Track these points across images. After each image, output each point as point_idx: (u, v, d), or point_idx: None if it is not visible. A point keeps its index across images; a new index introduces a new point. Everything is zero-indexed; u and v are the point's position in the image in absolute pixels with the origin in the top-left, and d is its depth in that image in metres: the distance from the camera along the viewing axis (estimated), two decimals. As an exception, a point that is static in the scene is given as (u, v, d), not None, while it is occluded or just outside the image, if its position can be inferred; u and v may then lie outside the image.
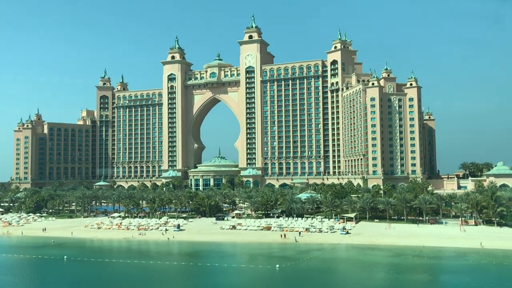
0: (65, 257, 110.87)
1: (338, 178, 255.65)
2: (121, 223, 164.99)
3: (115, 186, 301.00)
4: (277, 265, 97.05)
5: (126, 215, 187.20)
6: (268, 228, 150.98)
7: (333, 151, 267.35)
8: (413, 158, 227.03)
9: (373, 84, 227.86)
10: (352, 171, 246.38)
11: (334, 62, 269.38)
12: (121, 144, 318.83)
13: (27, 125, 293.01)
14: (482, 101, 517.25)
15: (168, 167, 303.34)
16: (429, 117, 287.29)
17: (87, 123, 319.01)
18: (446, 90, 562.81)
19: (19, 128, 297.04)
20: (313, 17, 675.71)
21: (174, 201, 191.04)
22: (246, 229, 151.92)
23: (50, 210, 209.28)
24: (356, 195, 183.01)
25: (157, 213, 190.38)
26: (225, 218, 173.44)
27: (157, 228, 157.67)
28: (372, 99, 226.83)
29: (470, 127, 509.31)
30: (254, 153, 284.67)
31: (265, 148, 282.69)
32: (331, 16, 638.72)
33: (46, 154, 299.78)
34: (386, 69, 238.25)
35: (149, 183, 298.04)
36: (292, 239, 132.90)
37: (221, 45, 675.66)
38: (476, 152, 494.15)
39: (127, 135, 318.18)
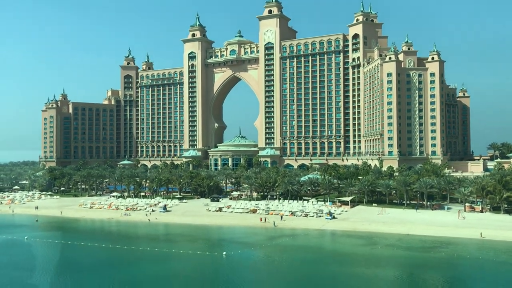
0: (25, 237, 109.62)
1: (357, 159, 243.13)
2: (112, 203, 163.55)
3: (138, 165, 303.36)
4: (224, 253, 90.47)
5: (130, 194, 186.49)
6: (254, 211, 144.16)
7: (354, 130, 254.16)
8: (434, 138, 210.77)
9: (390, 58, 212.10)
10: (370, 151, 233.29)
11: (355, 36, 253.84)
12: (145, 123, 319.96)
13: (52, 105, 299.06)
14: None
15: (189, 147, 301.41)
16: (463, 94, 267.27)
17: (112, 103, 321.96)
18: (485, 66, 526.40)
19: (45, 108, 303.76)
20: None
21: (174, 181, 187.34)
22: (231, 212, 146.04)
23: (62, 189, 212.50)
24: (361, 177, 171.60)
25: (161, 192, 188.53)
26: (220, 199, 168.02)
27: (145, 208, 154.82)
28: (389, 74, 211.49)
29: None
30: (273, 133, 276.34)
31: (284, 128, 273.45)
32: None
33: (71, 134, 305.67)
34: (407, 42, 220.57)
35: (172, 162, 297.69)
36: (272, 223, 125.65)
37: (243, 21, 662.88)
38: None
39: (150, 114, 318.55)
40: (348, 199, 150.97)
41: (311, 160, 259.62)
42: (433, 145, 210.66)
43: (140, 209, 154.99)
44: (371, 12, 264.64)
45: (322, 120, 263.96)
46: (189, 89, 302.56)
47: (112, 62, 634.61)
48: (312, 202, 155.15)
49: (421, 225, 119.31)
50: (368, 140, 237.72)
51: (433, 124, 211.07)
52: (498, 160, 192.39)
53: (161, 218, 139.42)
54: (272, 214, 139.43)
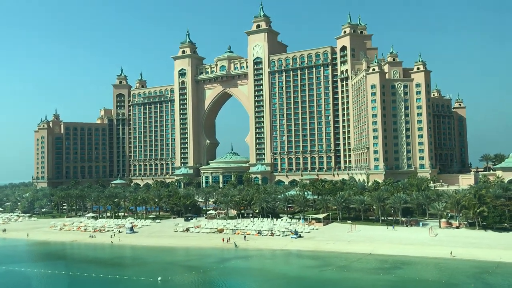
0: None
1: (348, 174, 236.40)
2: (81, 225, 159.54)
3: (131, 184, 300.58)
4: (160, 278, 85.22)
5: (107, 215, 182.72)
6: (221, 231, 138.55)
7: (344, 144, 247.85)
8: (421, 150, 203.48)
9: (373, 70, 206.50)
10: (359, 166, 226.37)
11: (343, 48, 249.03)
12: (137, 142, 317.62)
13: (43, 126, 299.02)
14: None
15: (181, 164, 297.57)
16: (459, 105, 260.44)
17: (105, 122, 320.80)
18: (481, 77, 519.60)
19: (38, 129, 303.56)
20: (331, 2, 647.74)
21: (152, 200, 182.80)
22: (198, 232, 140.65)
23: (43, 210, 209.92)
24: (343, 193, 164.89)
25: (140, 212, 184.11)
26: (195, 219, 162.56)
27: (113, 230, 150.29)
28: (373, 86, 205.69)
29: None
30: (264, 149, 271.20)
31: (274, 143, 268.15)
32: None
33: (62, 154, 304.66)
34: (392, 52, 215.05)
35: (164, 181, 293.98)
36: (233, 244, 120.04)
37: (234, 36, 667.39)
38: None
39: (142, 132, 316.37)
40: (321, 216, 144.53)
41: (302, 175, 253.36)
42: (421, 158, 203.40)
43: (108, 231, 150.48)
44: (360, 24, 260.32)
45: (312, 135, 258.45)
46: (180, 106, 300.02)
47: (106, 81, 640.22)
48: (286, 220, 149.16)
49: (387, 243, 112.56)
50: (357, 154, 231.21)
51: (420, 136, 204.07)
52: (484, 172, 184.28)
53: (124, 240, 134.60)
54: (238, 233, 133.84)
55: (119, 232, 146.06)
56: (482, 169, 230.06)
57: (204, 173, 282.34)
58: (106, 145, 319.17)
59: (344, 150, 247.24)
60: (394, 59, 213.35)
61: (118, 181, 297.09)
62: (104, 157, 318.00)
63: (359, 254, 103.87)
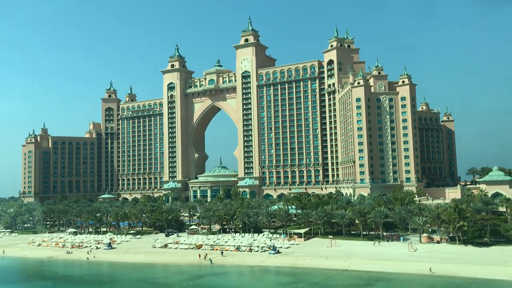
0: None
1: (336, 187, 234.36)
2: (59, 241, 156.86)
3: (119, 199, 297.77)
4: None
5: (90, 230, 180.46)
6: (200, 247, 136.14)
7: (332, 158, 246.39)
8: (407, 164, 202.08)
9: (358, 83, 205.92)
10: (346, 179, 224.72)
11: (330, 62, 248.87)
12: (125, 156, 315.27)
13: (30, 140, 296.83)
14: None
15: (169, 178, 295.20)
16: (448, 118, 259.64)
17: (93, 136, 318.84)
18: (472, 89, 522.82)
19: (25, 144, 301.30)
20: (320, 17, 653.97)
21: (133, 215, 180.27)
22: (176, 248, 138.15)
23: (26, 225, 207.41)
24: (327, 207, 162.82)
25: (123, 228, 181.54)
26: (174, 234, 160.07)
27: (90, 246, 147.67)
28: (358, 99, 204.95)
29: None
30: (252, 162, 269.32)
31: (263, 156, 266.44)
32: (339, 14, 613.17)
33: (50, 168, 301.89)
34: (377, 66, 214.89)
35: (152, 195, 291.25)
36: (210, 260, 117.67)
37: (223, 50, 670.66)
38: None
39: (131, 146, 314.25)
40: (302, 231, 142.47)
41: (290, 189, 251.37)
42: (407, 171, 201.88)
43: (86, 246, 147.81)
44: (348, 38, 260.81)
45: (300, 148, 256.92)
46: (168, 120, 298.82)
47: (95, 95, 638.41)
48: (267, 235, 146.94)
49: (364, 259, 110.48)
50: (344, 168, 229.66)
51: (406, 149, 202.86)
52: (468, 186, 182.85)
53: (100, 256, 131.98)
54: (217, 249, 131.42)
55: (97, 248, 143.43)
56: (470, 183, 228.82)
57: (192, 187, 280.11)
58: (95, 159, 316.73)
59: (332, 163, 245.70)
60: (379, 73, 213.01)
61: (106, 196, 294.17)
62: (92, 171, 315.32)
63: (335, 270, 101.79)
